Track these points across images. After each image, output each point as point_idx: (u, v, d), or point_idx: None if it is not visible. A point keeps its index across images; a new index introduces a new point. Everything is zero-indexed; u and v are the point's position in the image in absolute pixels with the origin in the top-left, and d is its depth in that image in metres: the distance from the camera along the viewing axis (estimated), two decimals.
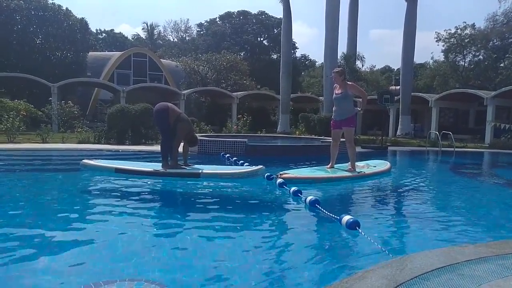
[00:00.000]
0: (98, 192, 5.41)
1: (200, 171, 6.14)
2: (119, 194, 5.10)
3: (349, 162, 6.87)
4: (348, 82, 6.86)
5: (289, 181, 5.61)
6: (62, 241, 3.16)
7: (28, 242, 3.10)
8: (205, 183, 5.94)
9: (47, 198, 5.01)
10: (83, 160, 6.68)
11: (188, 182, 5.98)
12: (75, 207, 4.47)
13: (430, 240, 3.47)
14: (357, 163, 7.30)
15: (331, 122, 7.00)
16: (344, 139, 6.94)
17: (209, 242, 3.23)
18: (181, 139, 6.41)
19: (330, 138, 7.42)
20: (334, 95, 6.85)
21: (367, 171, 6.97)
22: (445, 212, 4.79)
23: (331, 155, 7.00)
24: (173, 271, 2.59)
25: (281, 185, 5.49)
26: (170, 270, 2.62)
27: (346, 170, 6.75)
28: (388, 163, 7.96)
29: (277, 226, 3.98)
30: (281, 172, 6.09)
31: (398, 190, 6.31)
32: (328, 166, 6.94)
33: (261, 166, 6.26)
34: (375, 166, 7.47)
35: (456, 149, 14.76)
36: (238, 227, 3.76)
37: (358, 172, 6.72)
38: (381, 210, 4.85)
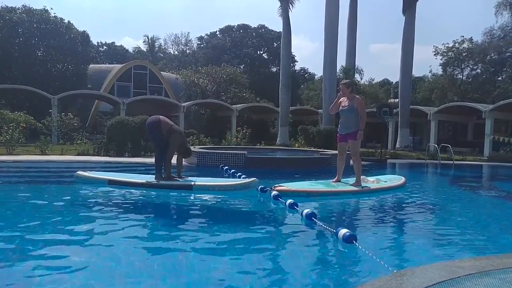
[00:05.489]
0: (89, 204, 5.32)
1: (193, 183, 6.13)
2: (110, 206, 5.05)
3: (372, 177, 6.69)
4: (356, 96, 6.76)
5: (284, 194, 5.54)
6: (53, 254, 3.09)
7: (16, 254, 3.06)
8: (197, 195, 5.91)
9: (39, 210, 4.91)
10: (77, 172, 6.68)
11: (181, 194, 5.96)
12: (65, 219, 4.41)
13: (430, 254, 3.44)
14: (368, 178, 7.20)
15: (337, 135, 6.90)
16: (349, 152, 6.86)
17: (201, 257, 3.16)
18: (174, 151, 6.44)
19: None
20: (340, 107, 6.74)
21: (373, 186, 6.80)
22: (446, 226, 4.76)
23: (337, 169, 6.91)
24: (166, 286, 2.56)
25: (275, 197, 5.43)
26: (163, 284, 2.58)
27: (351, 185, 6.63)
28: (403, 178, 7.72)
29: (271, 239, 3.92)
30: (275, 185, 6.03)
31: (399, 204, 6.24)
32: (334, 179, 6.85)
33: (254, 178, 6.23)
34: (386, 181, 7.27)
35: (455, 162, 14.75)
36: (231, 241, 3.69)
37: (362, 187, 6.57)
38: (380, 224, 4.81)
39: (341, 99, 6.83)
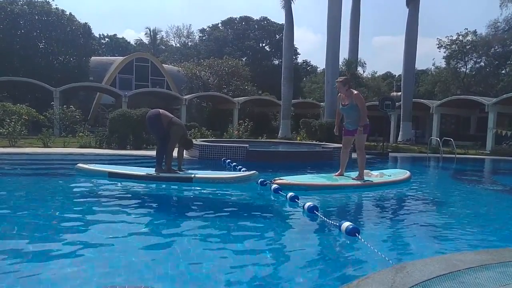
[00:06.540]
0: (89, 196, 5.32)
1: (193, 175, 6.15)
2: (110, 199, 5.06)
3: (376, 171, 6.62)
4: (354, 91, 6.53)
5: (285, 187, 5.52)
6: (53, 249, 3.07)
7: (16, 248, 3.06)
8: (197, 188, 5.92)
9: (38, 202, 4.92)
10: (78, 164, 6.70)
11: (181, 186, 5.97)
12: (64, 211, 4.42)
13: (431, 247, 3.45)
14: (372, 172, 7.16)
15: (343, 129, 6.80)
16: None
17: (200, 249, 3.16)
18: (175, 143, 6.47)
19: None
20: (340, 105, 6.63)
21: (376, 180, 6.74)
22: (447, 220, 4.76)
23: (341, 162, 6.86)
24: (166, 278, 2.57)
25: (276, 191, 5.43)
26: (163, 276, 2.59)
27: (353, 179, 6.58)
28: (408, 172, 7.63)
29: (272, 232, 3.93)
30: (276, 178, 6.02)
31: (401, 198, 6.23)
32: (337, 173, 6.82)
33: (254, 171, 6.24)
34: (390, 176, 7.22)
35: (458, 156, 14.72)
36: (230, 233, 3.69)
37: (365, 181, 6.51)
38: (381, 218, 4.82)
39: (338, 96, 6.74)
